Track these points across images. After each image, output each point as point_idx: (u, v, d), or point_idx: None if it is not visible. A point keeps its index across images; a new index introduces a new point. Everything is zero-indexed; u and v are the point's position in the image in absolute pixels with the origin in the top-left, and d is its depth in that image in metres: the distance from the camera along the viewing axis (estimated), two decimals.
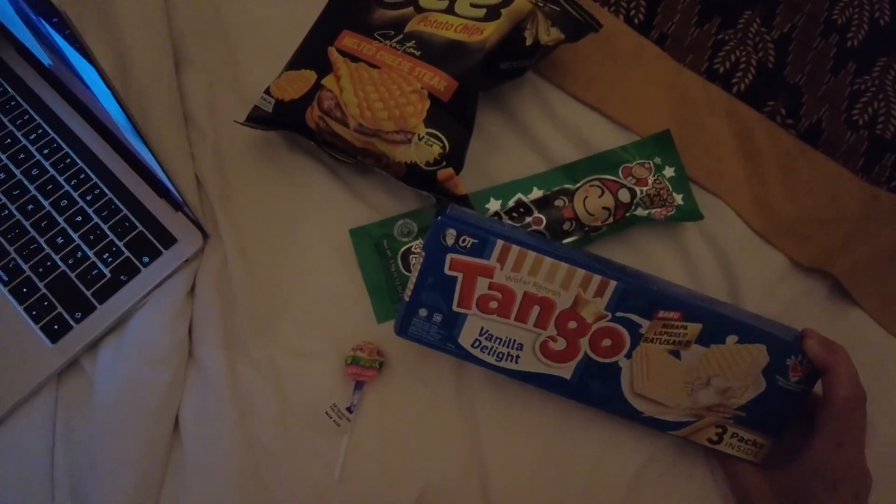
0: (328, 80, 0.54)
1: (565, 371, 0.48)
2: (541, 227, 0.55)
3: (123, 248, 0.55)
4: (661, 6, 0.62)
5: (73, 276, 0.54)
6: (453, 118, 0.52)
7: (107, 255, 0.55)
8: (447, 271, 0.46)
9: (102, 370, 0.52)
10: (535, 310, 0.47)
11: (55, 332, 0.52)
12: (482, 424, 0.52)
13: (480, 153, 0.58)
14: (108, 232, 0.56)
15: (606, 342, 0.47)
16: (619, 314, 0.47)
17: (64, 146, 0.59)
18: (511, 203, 0.56)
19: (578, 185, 0.57)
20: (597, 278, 0.46)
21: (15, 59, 0.62)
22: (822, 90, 0.60)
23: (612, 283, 0.46)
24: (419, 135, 0.51)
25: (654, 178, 0.57)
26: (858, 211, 0.56)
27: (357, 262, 0.56)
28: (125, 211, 0.57)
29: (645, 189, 0.56)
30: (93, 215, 0.56)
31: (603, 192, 0.56)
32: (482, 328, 0.47)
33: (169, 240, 0.56)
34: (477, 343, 0.47)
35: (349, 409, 0.51)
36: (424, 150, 0.51)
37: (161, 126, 0.58)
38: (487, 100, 0.61)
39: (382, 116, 0.51)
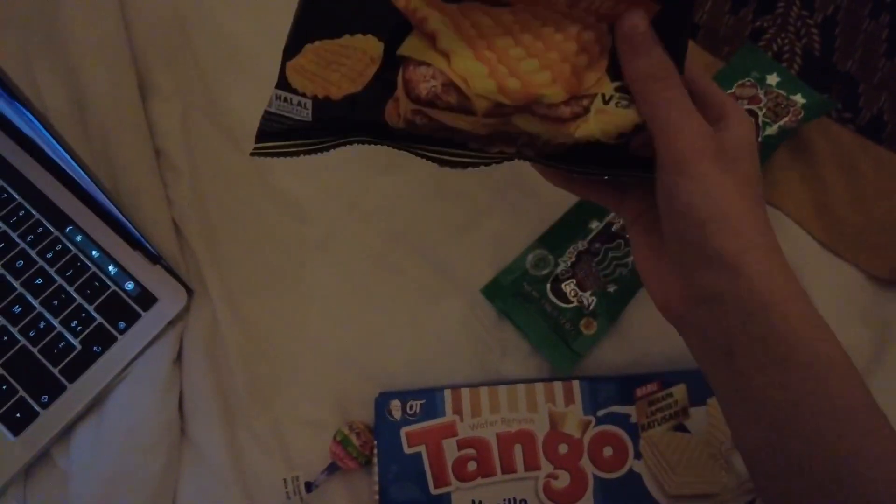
0: (412, 48, 0.31)
1: None
2: None
3: (94, 314, 0.47)
4: None
5: (35, 350, 0.46)
6: None
7: (75, 322, 0.47)
8: (408, 450, 0.42)
9: (79, 462, 0.44)
10: (518, 449, 0.42)
11: (17, 421, 0.44)
12: None
13: None
14: (75, 295, 0.48)
15: (608, 451, 0.42)
16: (601, 413, 0.42)
17: (16, 196, 0.50)
18: None
19: None
20: (558, 384, 0.43)
21: None
22: (878, 77, 0.54)
23: (576, 383, 0.43)
24: (605, 96, 0.31)
25: (763, 90, 0.51)
26: None
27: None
28: (93, 268, 0.48)
29: (761, 105, 0.51)
30: (55, 276, 0.48)
31: None
32: (473, 501, 0.41)
33: (148, 299, 0.48)
34: None
35: (308, 487, 0.43)
36: (612, 116, 0.31)
37: (129, 167, 0.50)
38: None
39: (542, 81, 0.30)
